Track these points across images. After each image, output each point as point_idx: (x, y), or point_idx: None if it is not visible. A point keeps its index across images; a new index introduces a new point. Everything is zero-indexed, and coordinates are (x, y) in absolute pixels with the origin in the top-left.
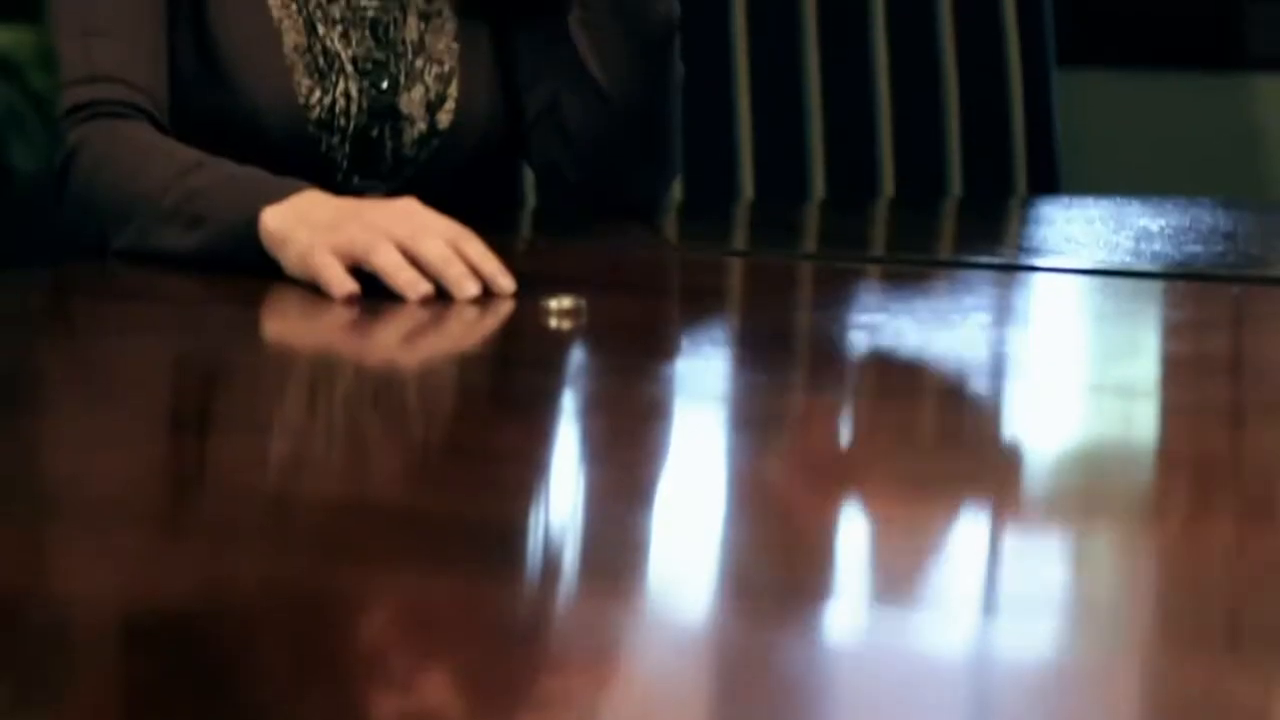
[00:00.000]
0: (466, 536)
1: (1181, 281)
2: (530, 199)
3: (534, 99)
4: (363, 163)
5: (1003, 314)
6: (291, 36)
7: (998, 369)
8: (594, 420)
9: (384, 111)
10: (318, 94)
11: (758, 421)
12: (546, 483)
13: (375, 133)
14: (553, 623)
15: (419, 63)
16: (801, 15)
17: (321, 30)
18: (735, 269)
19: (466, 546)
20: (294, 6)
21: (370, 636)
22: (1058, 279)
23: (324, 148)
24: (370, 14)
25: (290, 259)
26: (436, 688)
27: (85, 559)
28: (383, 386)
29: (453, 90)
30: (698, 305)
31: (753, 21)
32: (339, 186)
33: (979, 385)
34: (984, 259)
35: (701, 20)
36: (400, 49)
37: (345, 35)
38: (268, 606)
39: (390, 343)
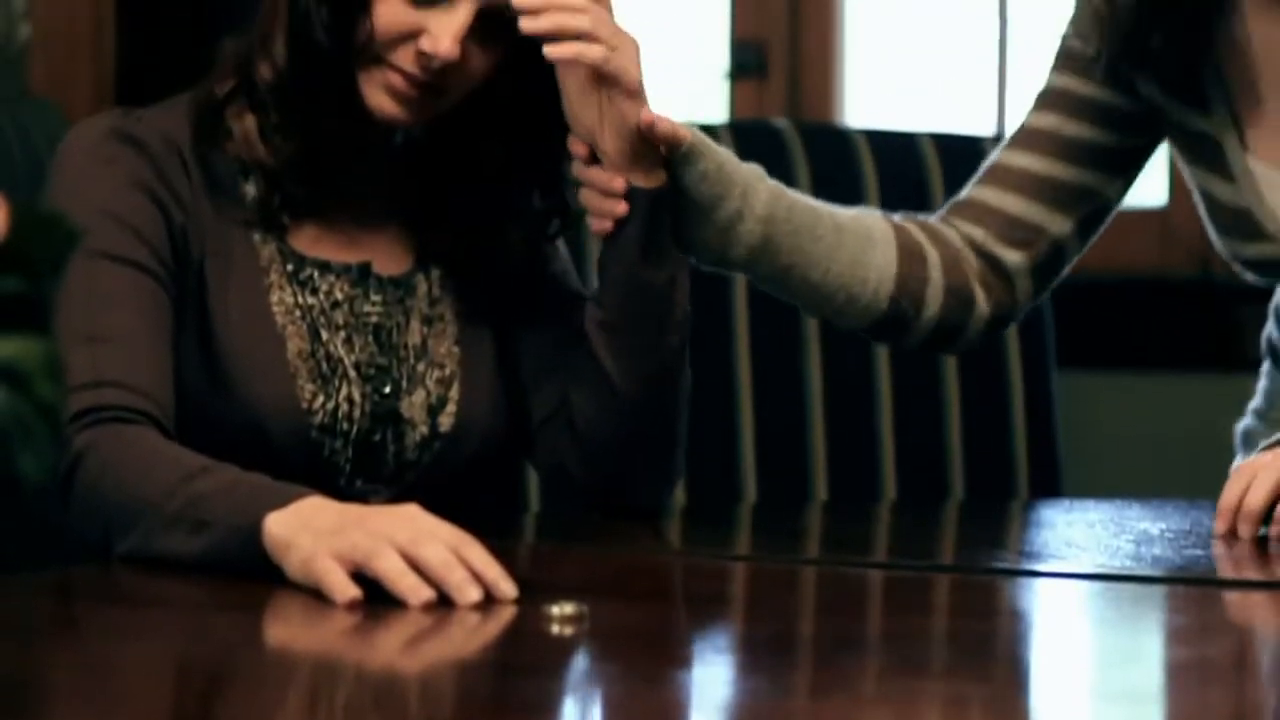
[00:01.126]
0: None
1: (1183, 586)
2: (533, 502)
3: (541, 400)
4: (365, 466)
5: (1004, 619)
6: (295, 343)
7: (1003, 675)
8: None
9: (386, 416)
10: (321, 399)
11: None
12: None
13: (378, 437)
14: None
15: (421, 367)
16: (803, 319)
17: (325, 336)
18: (738, 574)
19: None
20: (298, 313)
21: None
22: (1059, 584)
23: (327, 452)
24: (374, 319)
25: (293, 564)
26: None
27: None
28: (384, 693)
29: (454, 393)
30: (701, 611)
31: (755, 326)
32: (342, 490)
33: (983, 692)
34: (984, 564)
35: (705, 323)
36: (403, 354)
37: (349, 341)
38: None
39: (392, 648)
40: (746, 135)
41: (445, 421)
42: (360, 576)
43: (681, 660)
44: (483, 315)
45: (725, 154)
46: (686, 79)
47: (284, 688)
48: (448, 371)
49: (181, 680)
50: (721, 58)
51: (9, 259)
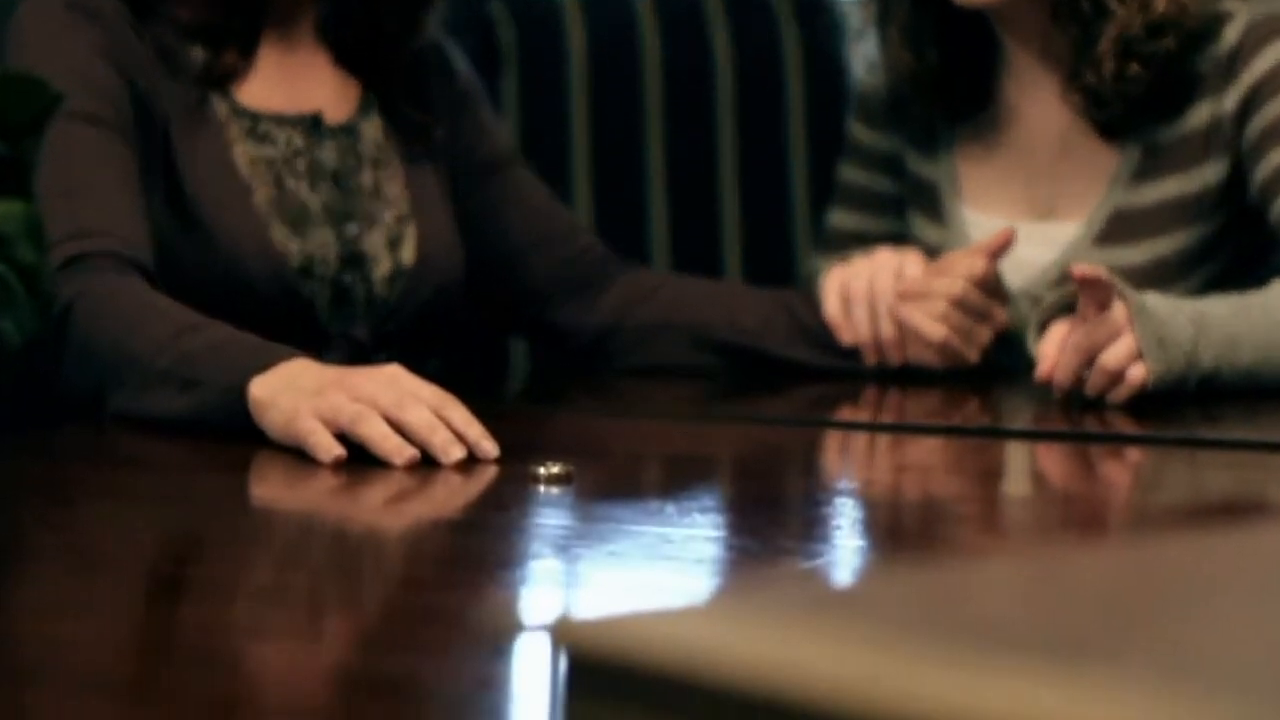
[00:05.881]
0: (449, 704)
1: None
2: (519, 368)
3: (525, 276)
4: (341, 306)
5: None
6: (263, 192)
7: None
8: (576, 585)
9: (354, 256)
10: (295, 243)
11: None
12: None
13: (349, 278)
14: None
15: (377, 207)
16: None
17: (290, 184)
18: (726, 436)
19: (449, 713)
20: (261, 165)
21: None
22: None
23: (305, 296)
24: (331, 165)
25: (278, 425)
26: None
27: None
28: (367, 551)
29: (410, 230)
30: (688, 471)
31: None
32: (323, 333)
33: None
34: (949, 425)
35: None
36: (360, 196)
37: (312, 187)
38: None
39: (375, 508)
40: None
41: (406, 255)
42: (343, 438)
43: (667, 519)
44: (426, 158)
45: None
46: None
47: (267, 547)
48: (402, 211)
49: (163, 542)
50: None
51: None
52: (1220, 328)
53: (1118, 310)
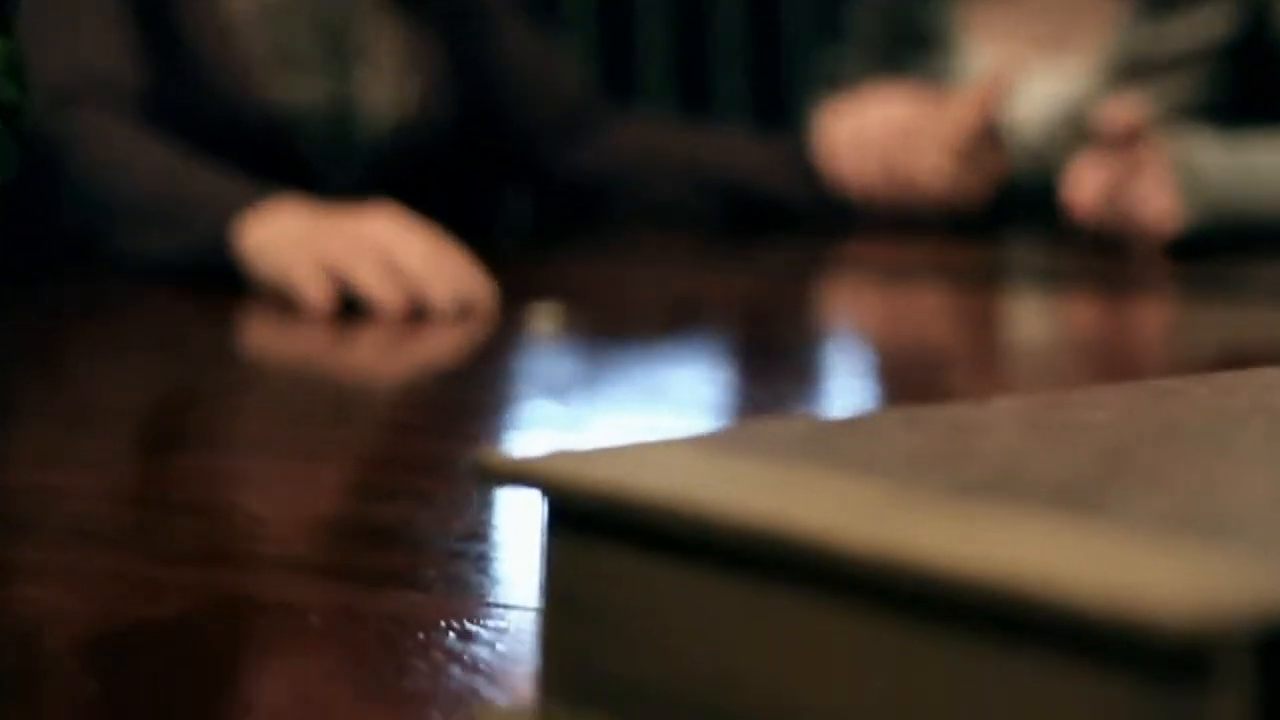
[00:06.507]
0: (441, 552)
1: None
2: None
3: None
4: (334, 156)
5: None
6: (257, 38)
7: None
8: (572, 429)
9: (348, 104)
10: (289, 92)
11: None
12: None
13: (344, 126)
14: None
15: (373, 54)
16: None
17: (285, 33)
18: (728, 281)
19: (448, 565)
20: (256, 11)
21: (348, 653)
22: None
23: (297, 143)
24: (326, 13)
25: (269, 270)
26: (410, 699)
27: (53, 579)
28: (359, 401)
29: (406, 78)
30: (687, 316)
31: None
32: (315, 181)
33: None
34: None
35: None
36: (354, 44)
37: (307, 36)
38: (239, 624)
39: (368, 357)
40: None
41: (401, 104)
42: (336, 281)
43: (664, 364)
44: (422, 6)
45: None
46: None
47: (259, 397)
48: (398, 59)
49: (156, 392)
50: None
51: None
52: (1260, 169)
53: (1149, 149)
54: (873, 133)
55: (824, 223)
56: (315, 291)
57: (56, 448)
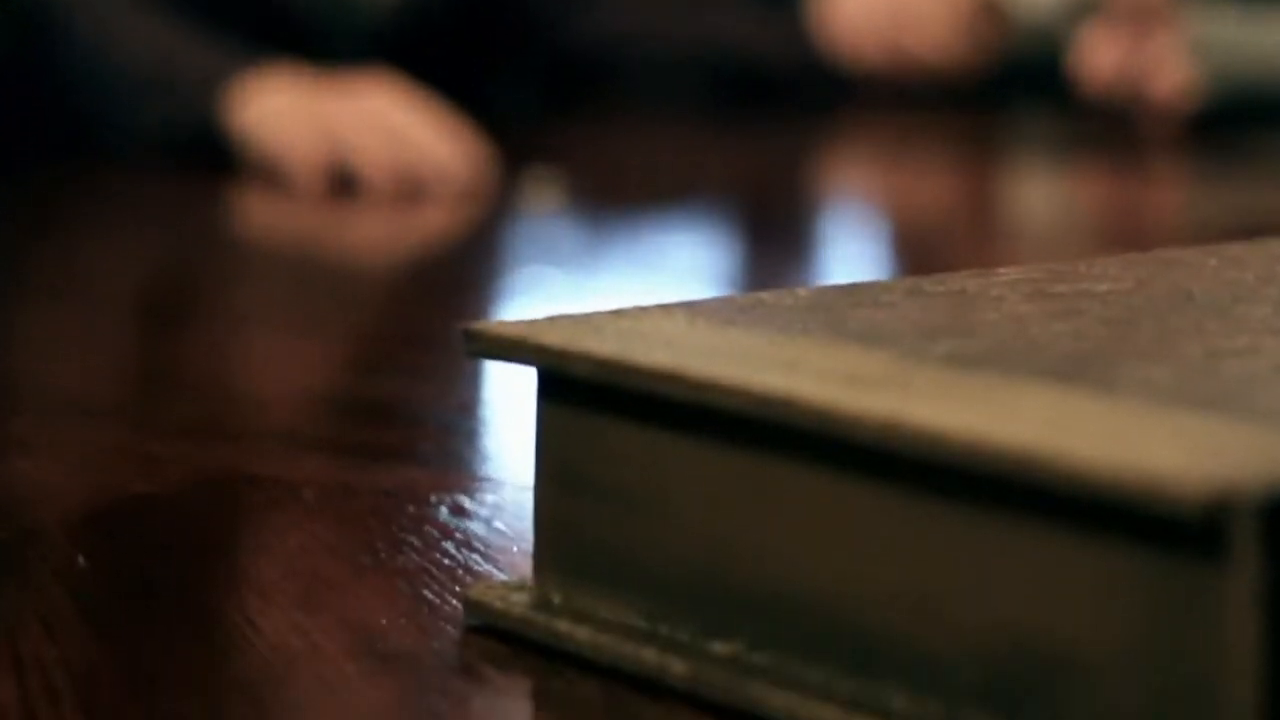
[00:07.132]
0: (444, 428)
1: None
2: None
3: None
4: (336, 22)
5: None
6: None
7: None
8: (569, 298)
9: None
10: None
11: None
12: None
13: (342, 5)
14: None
15: None
16: None
17: None
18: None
19: (443, 439)
20: None
21: (342, 527)
22: None
23: (302, 14)
24: None
25: (265, 144)
26: (399, 576)
27: (45, 452)
28: (354, 278)
29: None
30: (685, 184)
31: None
32: (316, 48)
33: None
34: None
35: None
36: None
37: None
38: (232, 499)
39: (363, 234)
40: None
41: None
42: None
43: (662, 231)
44: None
45: None
46: None
47: (252, 275)
48: None
49: (148, 271)
50: None
51: None
52: (1277, 42)
53: (1162, 20)
54: (872, 5)
55: (822, 95)
56: (306, 172)
57: (49, 325)
